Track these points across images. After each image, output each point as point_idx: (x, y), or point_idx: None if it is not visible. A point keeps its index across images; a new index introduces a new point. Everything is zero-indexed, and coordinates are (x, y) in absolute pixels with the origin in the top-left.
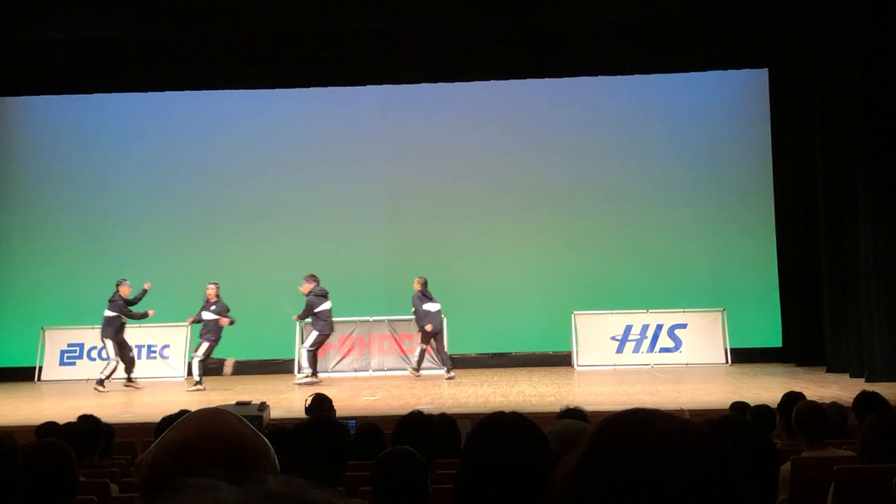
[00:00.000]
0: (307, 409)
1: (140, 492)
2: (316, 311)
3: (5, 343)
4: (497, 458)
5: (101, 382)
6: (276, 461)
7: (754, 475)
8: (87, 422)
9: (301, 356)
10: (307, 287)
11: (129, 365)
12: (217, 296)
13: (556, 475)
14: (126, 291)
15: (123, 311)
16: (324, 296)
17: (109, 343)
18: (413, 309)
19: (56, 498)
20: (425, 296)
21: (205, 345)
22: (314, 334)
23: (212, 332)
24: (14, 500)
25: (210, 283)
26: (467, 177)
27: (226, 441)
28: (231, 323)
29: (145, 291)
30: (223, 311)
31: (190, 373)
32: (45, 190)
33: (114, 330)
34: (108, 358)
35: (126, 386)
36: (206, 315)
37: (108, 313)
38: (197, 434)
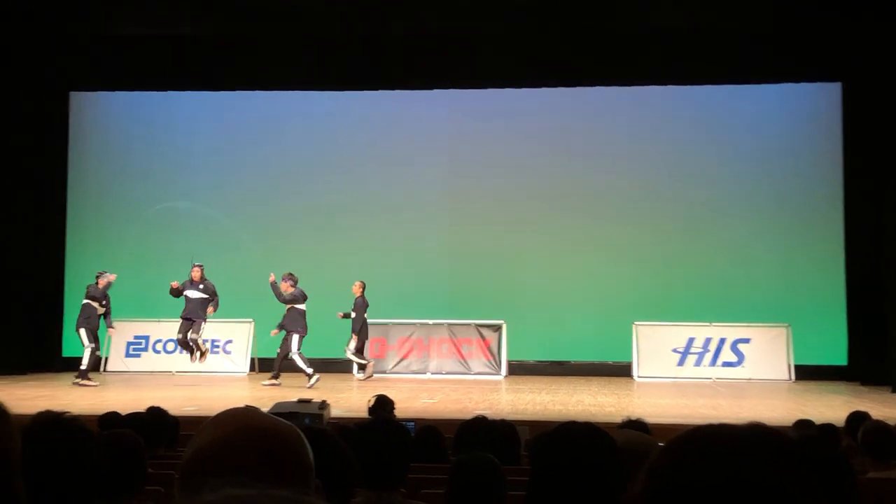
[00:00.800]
0: (370, 410)
1: (178, 487)
2: (297, 307)
3: (73, 334)
4: (570, 467)
5: (83, 375)
6: (312, 457)
7: (833, 496)
8: (154, 413)
9: (296, 363)
10: (288, 286)
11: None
12: (202, 277)
13: (627, 495)
14: (102, 284)
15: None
16: (304, 297)
17: (83, 331)
18: (354, 315)
19: (128, 487)
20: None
21: (295, 337)
22: (296, 337)
23: (194, 313)
24: (92, 487)
25: (195, 265)
26: (531, 183)
27: (263, 437)
28: (213, 311)
29: (109, 283)
30: (210, 292)
31: (253, 368)
32: (116, 184)
33: (84, 318)
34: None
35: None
36: (192, 294)
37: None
38: (233, 431)
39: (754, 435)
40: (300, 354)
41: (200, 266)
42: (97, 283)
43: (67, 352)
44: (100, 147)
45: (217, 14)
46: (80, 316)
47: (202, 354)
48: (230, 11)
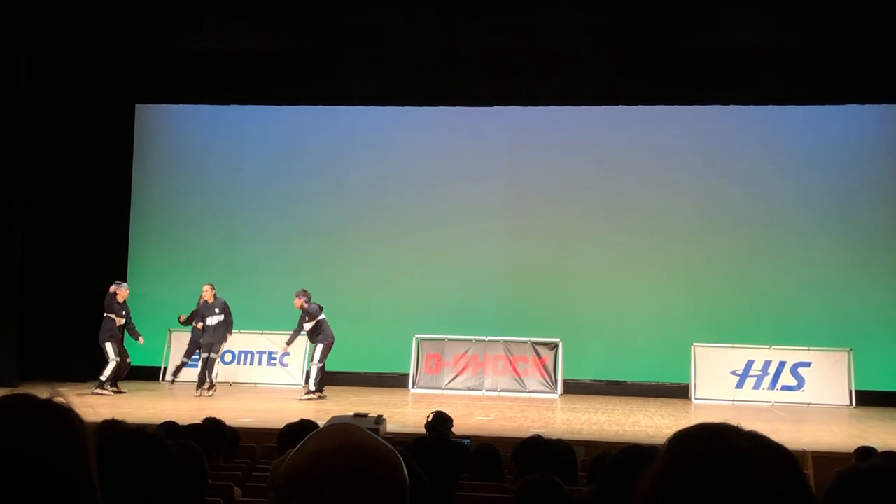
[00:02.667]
0: (428, 426)
1: (273, 498)
2: (318, 319)
3: (135, 342)
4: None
5: (101, 385)
6: (407, 475)
7: None
8: (212, 424)
9: (311, 373)
10: (301, 302)
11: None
12: (214, 297)
13: (637, 486)
14: (123, 295)
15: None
16: (320, 307)
17: (109, 346)
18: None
19: (189, 498)
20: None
21: (320, 347)
22: (319, 348)
23: (218, 340)
24: (169, 498)
25: (206, 285)
26: (590, 201)
27: (361, 455)
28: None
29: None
30: (227, 312)
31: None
32: (178, 196)
33: (108, 332)
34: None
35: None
36: (212, 319)
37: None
38: (334, 447)
39: (756, 446)
40: (319, 367)
41: (212, 285)
42: (116, 295)
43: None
44: (163, 160)
45: (282, 30)
46: (102, 330)
47: (212, 387)
48: (294, 28)
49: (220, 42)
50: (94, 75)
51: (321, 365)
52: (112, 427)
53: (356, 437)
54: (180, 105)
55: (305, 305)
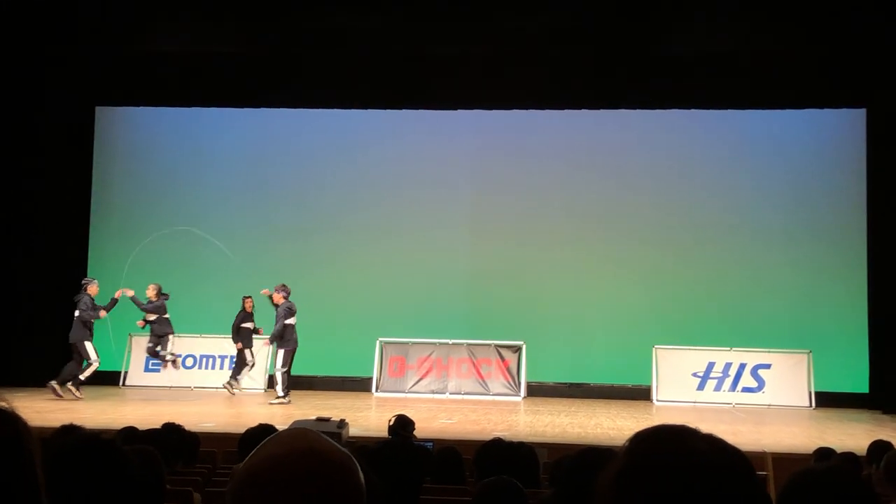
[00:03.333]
0: (391, 430)
1: (228, 499)
2: (286, 322)
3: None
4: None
5: (77, 386)
6: (363, 480)
7: None
8: (171, 429)
9: (277, 378)
10: (280, 297)
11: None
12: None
13: (596, 487)
14: (94, 291)
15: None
16: (292, 312)
17: (88, 345)
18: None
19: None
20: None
21: (281, 352)
22: (282, 353)
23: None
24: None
25: (247, 297)
26: (552, 205)
27: (316, 460)
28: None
29: (115, 301)
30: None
31: (271, 385)
32: (139, 198)
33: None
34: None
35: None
36: (248, 324)
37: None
38: (289, 452)
39: (712, 448)
40: (284, 372)
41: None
42: (89, 293)
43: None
44: (124, 162)
45: (246, 32)
46: (81, 330)
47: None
48: (258, 30)
49: (183, 44)
50: (54, 76)
51: (286, 370)
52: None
53: (311, 441)
54: (142, 107)
55: (283, 300)
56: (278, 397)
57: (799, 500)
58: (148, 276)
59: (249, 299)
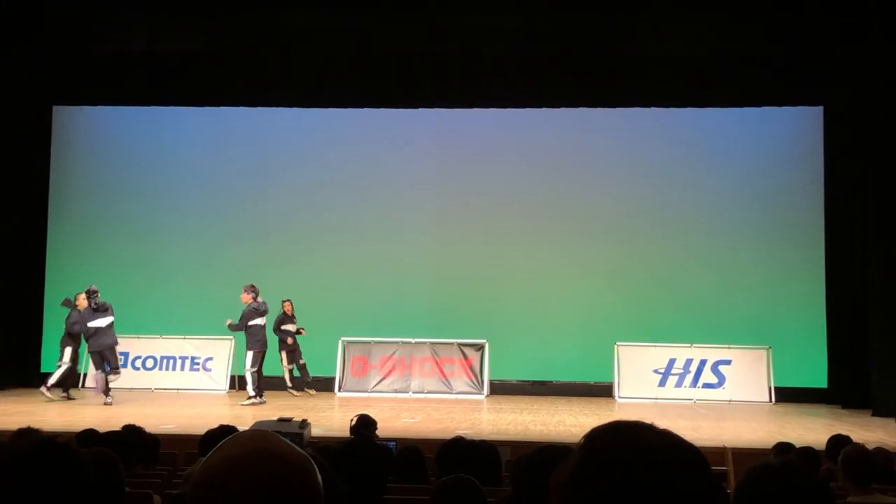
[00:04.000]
0: (352, 430)
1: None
2: (249, 324)
3: (52, 350)
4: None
5: (50, 388)
6: (321, 481)
7: None
8: (130, 431)
9: (247, 379)
10: (247, 297)
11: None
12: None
13: (552, 483)
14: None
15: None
16: (260, 312)
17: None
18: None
19: None
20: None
21: (250, 354)
22: (250, 354)
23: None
24: None
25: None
26: (515, 203)
27: (273, 461)
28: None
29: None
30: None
31: (233, 386)
32: (98, 199)
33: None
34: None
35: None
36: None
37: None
38: (246, 453)
39: (666, 443)
40: (253, 373)
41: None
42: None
43: (46, 367)
44: (82, 162)
45: (205, 31)
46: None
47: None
48: (218, 29)
49: (142, 43)
50: (10, 75)
51: (255, 370)
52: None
53: (269, 443)
54: (100, 106)
55: (251, 300)
56: (250, 398)
57: (755, 494)
58: (107, 277)
59: (288, 302)
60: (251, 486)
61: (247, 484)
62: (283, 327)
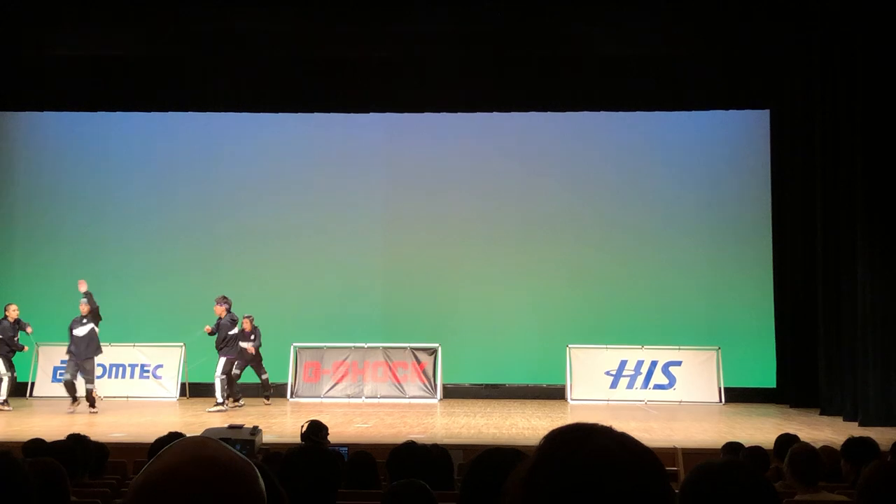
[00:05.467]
0: (303, 436)
1: None
2: (228, 333)
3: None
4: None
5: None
6: (264, 489)
7: None
8: (77, 440)
9: (216, 385)
10: (221, 310)
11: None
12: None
13: (507, 484)
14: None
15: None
16: (235, 322)
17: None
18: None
19: None
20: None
21: (222, 360)
22: (222, 360)
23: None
24: None
25: (246, 316)
26: (466, 207)
27: (215, 468)
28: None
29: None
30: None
31: (183, 393)
32: (46, 206)
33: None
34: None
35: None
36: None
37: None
38: (187, 460)
39: (618, 445)
40: (222, 379)
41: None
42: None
43: None
44: (28, 169)
45: (149, 36)
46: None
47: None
48: (162, 34)
49: (85, 48)
50: None
51: (223, 377)
52: None
53: (210, 449)
54: (44, 112)
55: (225, 313)
56: (217, 404)
57: (698, 493)
58: (53, 284)
59: (247, 319)
60: (189, 494)
61: (185, 491)
62: (241, 344)
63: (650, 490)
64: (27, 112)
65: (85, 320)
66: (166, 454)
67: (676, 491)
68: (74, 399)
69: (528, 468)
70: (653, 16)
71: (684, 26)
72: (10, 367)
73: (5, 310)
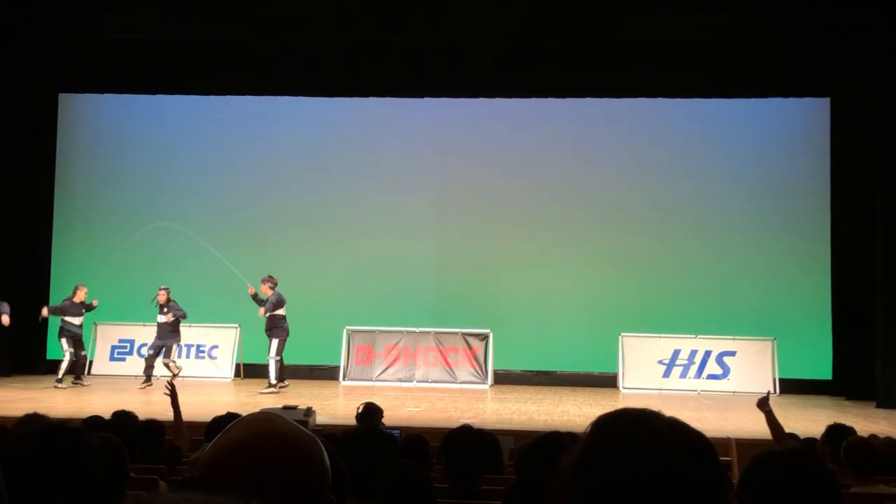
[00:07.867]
0: (358, 417)
1: (194, 488)
2: (272, 314)
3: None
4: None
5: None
6: (329, 464)
7: None
8: (136, 419)
9: (270, 367)
10: (267, 289)
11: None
12: (168, 300)
13: (558, 469)
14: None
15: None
16: (282, 302)
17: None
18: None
19: (110, 493)
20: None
21: (275, 342)
22: (275, 342)
23: (168, 336)
24: (90, 492)
25: (160, 289)
26: (520, 193)
27: (281, 443)
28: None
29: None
30: (177, 313)
31: (238, 374)
32: (104, 187)
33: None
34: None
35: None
36: (160, 318)
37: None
38: (253, 435)
39: (673, 431)
40: (277, 360)
41: (166, 290)
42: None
43: (51, 354)
44: (88, 150)
45: (209, 19)
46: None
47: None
48: (222, 17)
49: (145, 32)
50: (15, 63)
51: (278, 358)
52: (32, 422)
53: (276, 424)
54: (105, 94)
55: (270, 292)
56: (269, 386)
57: (759, 480)
58: (113, 266)
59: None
60: (259, 467)
61: (254, 465)
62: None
63: (707, 476)
64: (87, 94)
65: (165, 309)
66: (234, 429)
67: (733, 481)
68: (148, 378)
69: (578, 452)
70: (709, 2)
71: (742, 13)
72: (72, 345)
73: (75, 289)
